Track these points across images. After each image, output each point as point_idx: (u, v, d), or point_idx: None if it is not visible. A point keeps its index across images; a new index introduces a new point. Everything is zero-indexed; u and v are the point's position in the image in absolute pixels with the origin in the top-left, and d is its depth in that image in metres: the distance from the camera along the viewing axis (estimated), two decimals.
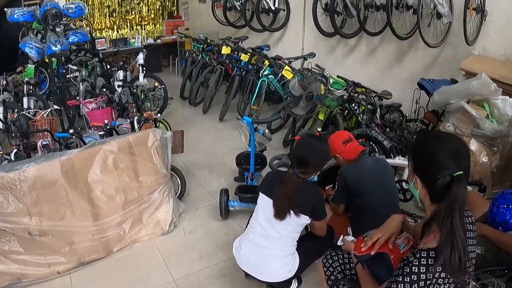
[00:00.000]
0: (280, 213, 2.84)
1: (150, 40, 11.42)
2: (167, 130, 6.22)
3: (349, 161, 3.56)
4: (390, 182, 3.52)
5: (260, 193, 3.03)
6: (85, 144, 4.40)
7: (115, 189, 3.97)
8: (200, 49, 8.65)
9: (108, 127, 4.60)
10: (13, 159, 5.12)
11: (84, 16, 8.81)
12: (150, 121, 4.88)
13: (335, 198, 3.49)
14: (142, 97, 6.46)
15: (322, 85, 5.09)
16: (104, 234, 3.84)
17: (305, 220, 2.91)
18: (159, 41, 11.24)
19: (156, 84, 6.55)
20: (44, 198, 3.65)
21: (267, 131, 4.66)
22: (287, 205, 2.81)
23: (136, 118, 5.87)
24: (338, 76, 5.81)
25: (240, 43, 8.25)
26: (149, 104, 6.25)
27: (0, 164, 5.02)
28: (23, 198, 3.56)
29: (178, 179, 4.66)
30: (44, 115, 5.46)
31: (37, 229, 3.64)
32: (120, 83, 7.26)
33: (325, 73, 5.90)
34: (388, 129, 5.30)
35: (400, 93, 6.02)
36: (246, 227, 3.26)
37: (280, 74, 6.69)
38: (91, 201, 3.86)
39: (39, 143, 5.31)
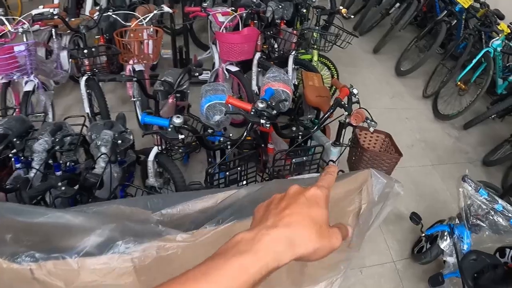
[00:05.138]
0: None
1: None
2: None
3: None
4: None
5: None
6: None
7: None
8: None
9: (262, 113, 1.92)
10: (82, 88, 2.74)
11: None
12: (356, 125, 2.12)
13: None
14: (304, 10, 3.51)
15: None
16: None
17: None
18: None
19: (343, 11, 3.37)
20: None
21: None
22: None
23: (292, 58, 3.10)
24: None
25: None
26: (316, 37, 3.29)
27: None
28: None
29: None
30: (144, 22, 2.82)
31: None
32: None
33: None
34: None
35: None
36: None
37: None
38: None
39: (129, 67, 2.82)
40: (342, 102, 2.27)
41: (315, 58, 3.35)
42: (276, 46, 3.32)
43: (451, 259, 2.42)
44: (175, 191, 2.44)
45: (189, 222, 1.53)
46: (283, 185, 1.78)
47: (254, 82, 3.11)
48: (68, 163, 2.40)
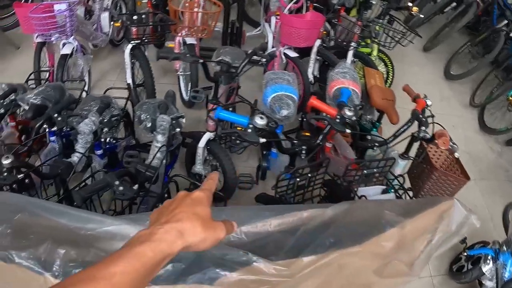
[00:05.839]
0: None
1: None
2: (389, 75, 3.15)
3: None
4: None
5: None
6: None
7: None
8: None
9: None
10: (127, 56, 2.47)
11: None
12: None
13: None
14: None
15: None
16: None
17: None
18: None
19: (414, 9, 2.98)
20: None
21: None
22: None
23: (353, 50, 2.81)
24: None
25: None
26: (379, 30, 2.98)
27: None
28: None
29: None
30: None
31: None
32: None
33: None
34: None
35: None
36: None
37: None
38: None
39: (178, 39, 2.55)
40: (420, 116, 2.06)
41: (375, 53, 3.07)
42: (333, 34, 3.02)
43: (490, 284, 2.34)
44: (224, 182, 2.22)
45: (274, 247, 1.31)
46: (371, 205, 1.57)
47: (310, 70, 2.83)
48: (108, 139, 2.16)
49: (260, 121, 1.46)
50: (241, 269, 1.18)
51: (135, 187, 1.50)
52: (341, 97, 1.90)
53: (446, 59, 4.35)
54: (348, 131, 1.64)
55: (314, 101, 1.65)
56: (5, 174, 1.49)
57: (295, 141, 1.77)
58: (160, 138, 1.76)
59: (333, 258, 1.29)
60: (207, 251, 1.20)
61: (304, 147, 1.72)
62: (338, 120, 1.64)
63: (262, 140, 1.48)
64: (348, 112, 1.64)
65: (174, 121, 1.84)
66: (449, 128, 3.53)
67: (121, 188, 1.44)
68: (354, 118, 1.72)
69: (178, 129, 1.83)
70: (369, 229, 1.47)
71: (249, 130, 1.47)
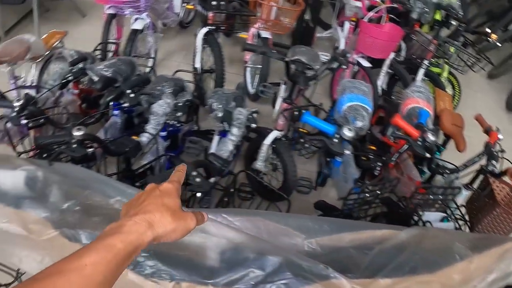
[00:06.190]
0: None
1: None
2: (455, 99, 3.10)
3: None
4: None
5: None
6: None
7: None
8: None
9: None
10: (199, 41, 2.47)
11: None
12: None
13: None
14: None
15: None
16: None
17: None
18: None
19: (494, 37, 2.81)
20: None
21: None
22: None
23: (424, 68, 2.74)
24: None
25: None
26: (453, 52, 2.89)
27: None
28: None
29: None
30: None
31: None
32: None
33: None
34: None
35: None
36: None
37: None
38: None
39: (252, 31, 2.57)
40: (492, 149, 2.02)
41: (445, 74, 2.99)
42: (405, 49, 2.96)
43: None
44: (283, 182, 2.22)
45: (349, 263, 1.30)
46: (442, 234, 1.54)
47: (379, 83, 2.79)
48: (172, 121, 2.18)
49: (348, 133, 1.44)
50: (319, 282, 1.18)
51: (211, 180, 1.50)
52: (420, 118, 1.86)
53: (509, 90, 4.19)
54: (428, 155, 1.61)
55: (399, 120, 1.62)
56: (75, 146, 1.46)
57: (371, 156, 1.75)
58: (235, 131, 1.76)
59: (408, 284, 1.28)
60: (287, 256, 1.21)
61: (379, 163, 1.70)
62: (419, 143, 1.61)
63: (347, 152, 1.47)
64: (431, 137, 1.61)
65: (250, 116, 1.84)
66: (507, 164, 3.43)
67: (198, 180, 1.39)
68: (434, 143, 1.69)
69: (253, 125, 1.84)
70: (440, 258, 1.45)
71: (335, 140, 1.46)
